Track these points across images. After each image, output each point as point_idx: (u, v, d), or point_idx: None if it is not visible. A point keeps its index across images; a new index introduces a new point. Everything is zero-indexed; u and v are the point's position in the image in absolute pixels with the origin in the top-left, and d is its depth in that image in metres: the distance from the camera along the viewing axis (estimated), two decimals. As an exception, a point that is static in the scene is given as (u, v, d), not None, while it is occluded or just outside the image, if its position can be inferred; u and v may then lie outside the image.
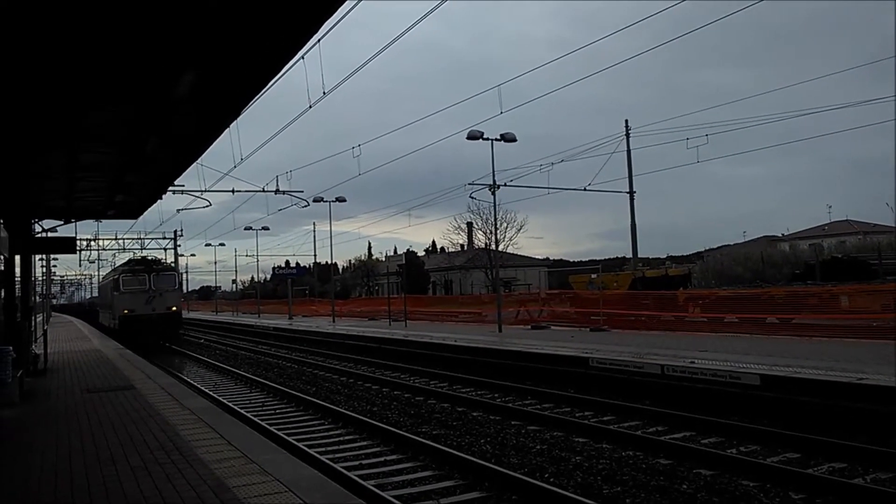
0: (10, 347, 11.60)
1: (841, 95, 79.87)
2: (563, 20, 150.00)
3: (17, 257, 16.65)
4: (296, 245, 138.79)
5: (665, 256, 65.79)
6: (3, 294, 15.82)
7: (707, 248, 53.47)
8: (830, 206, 72.27)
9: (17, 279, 17.34)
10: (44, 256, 46.04)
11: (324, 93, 13.17)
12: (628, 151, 32.99)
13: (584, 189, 33.90)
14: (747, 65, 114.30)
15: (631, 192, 33.13)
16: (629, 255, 36.32)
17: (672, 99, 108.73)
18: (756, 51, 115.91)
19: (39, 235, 18.51)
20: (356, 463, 8.89)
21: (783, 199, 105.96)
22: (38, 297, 39.20)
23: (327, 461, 8.51)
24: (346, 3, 5.74)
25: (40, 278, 51.69)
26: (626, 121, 33.25)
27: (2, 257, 15.15)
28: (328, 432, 11.09)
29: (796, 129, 62.61)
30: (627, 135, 32.92)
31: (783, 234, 63.86)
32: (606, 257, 63.84)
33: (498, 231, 43.17)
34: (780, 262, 37.59)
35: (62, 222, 19.13)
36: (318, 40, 8.88)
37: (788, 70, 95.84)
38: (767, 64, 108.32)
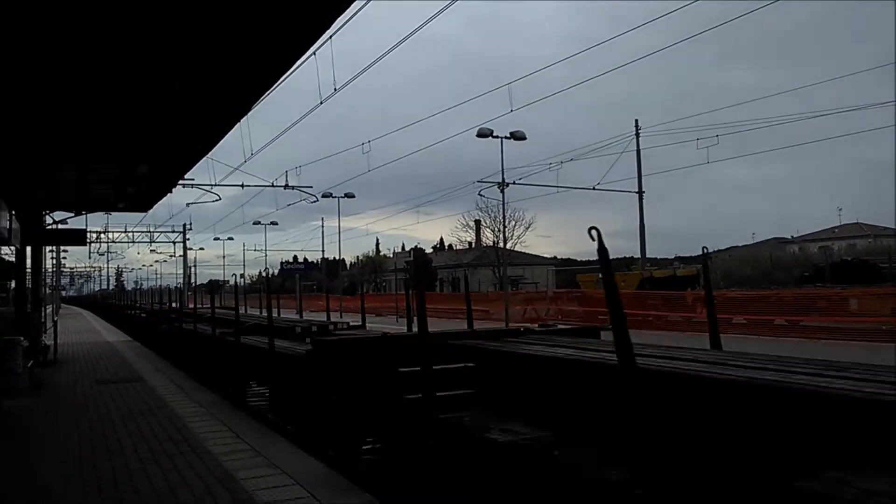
0: (21, 338, 11.69)
1: (853, 97, 79.31)
2: (581, 17, 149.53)
3: (28, 248, 16.77)
4: (304, 240, 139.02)
5: (673, 257, 65.62)
6: (13, 285, 15.95)
7: (716, 249, 53.27)
8: (841, 209, 71.79)
9: (28, 270, 17.47)
10: (54, 248, 46.36)
11: (335, 89, 13.17)
12: (638, 151, 32.99)
13: (594, 188, 33.91)
14: (760, 65, 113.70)
15: (640, 192, 33.11)
16: (638, 255, 36.28)
17: (684, 98, 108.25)
18: (769, 51, 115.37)
19: (50, 227, 18.61)
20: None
21: (793, 200, 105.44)
22: (48, 289, 39.45)
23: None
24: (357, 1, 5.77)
25: (50, 270, 52.11)
26: (637, 120, 33.26)
27: (13, 248, 15.26)
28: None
29: (808, 131, 62.24)
30: (637, 134, 32.90)
31: (792, 237, 63.56)
32: (615, 257, 63.74)
33: (506, 229, 43.20)
34: (789, 263, 37.46)
35: (73, 214, 19.22)
36: (330, 37, 8.88)
37: (801, 71, 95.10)
38: (780, 65, 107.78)
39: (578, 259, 79.83)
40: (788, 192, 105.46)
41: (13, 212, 12.99)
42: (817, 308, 20.88)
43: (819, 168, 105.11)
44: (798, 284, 28.53)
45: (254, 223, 54.86)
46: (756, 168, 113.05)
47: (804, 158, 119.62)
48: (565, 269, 61.82)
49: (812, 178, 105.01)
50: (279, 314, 16.43)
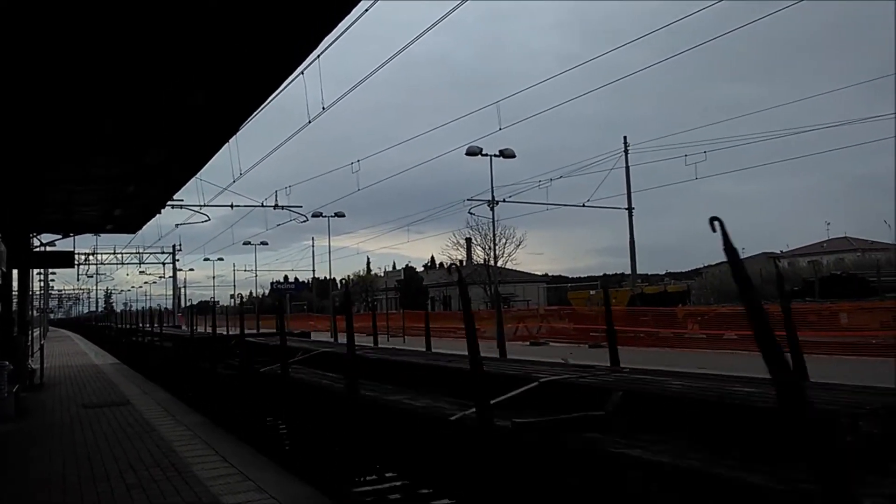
0: (7, 362, 11.54)
1: (840, 112, 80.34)
2: (572, 34, 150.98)
3: (15, 271, 16.62)
4: (294, 260, 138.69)
5: (664, 273, 65.86)
6: (0, 308, 15.77)
7: (706, 264, 53.50)
8: (829, 223, 72.28)
9: (15, 293, 17.30)
10: (42, 270, 46.03)
11: (323, 108, 13.19)
12: (627, 168, 33.18)
13: (583, 205, 34.03)
14: (747, 80, 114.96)
15: (630, 209, 33.25)
16: (628, 271, 36.36)
17: (672, 114, 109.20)
18: (757, 67, 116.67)
19: (38, 249, 18.48)
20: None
21: (781, 215, 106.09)
22: (35, 312, 39.10)
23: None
24: (346, 19, 5.77)
25: (38, 292, 51.70)
26: (625, 137, 33.50)
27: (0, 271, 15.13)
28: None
29: (796, 146, 62.85)
30: (626, 151, 33.10)
31: (782, 251, 63.84)
32: (605, 273, 63.89)
33: (497, 247, 43.23)
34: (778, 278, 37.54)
35: (60, 236, 19.10)
36: (318, 56, 8.91)
37: (788, 86, 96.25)
38: (767, 80, 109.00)
39: (570, 276, 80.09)
40: (776, 207, 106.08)
41: (-1, 234, 12.90)
42: (807, 323, 20.92)
43: (807, 183, 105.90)
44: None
45: (244, 243, 54.74)
46: (744, 183, 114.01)
47: (791, 173, 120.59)
48: (556, 287, 61.84)
49: (799, 193, 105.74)
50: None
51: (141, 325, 22.21)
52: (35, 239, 17.92)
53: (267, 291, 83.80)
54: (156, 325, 20.09)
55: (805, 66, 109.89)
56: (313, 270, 63.56)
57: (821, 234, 64.45)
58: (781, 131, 45.09)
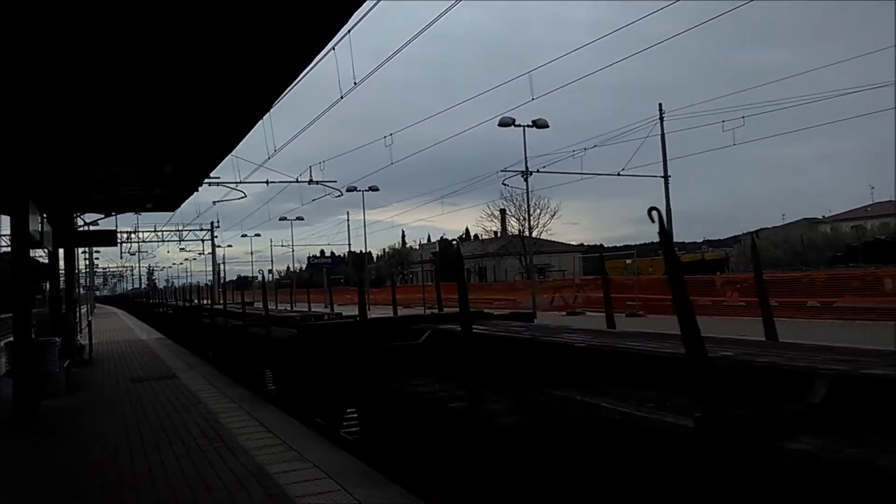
0: (57, 338, 11.93)
1: (882, 74, 77.39)
2: (602, 2, 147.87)
3: (61, 250, 17.08)
4: (330, 234, 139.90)
5: (702, 241, 64.79)
6: (48, 286, 16.26)
7: (745, 231, 52.51)
8: (874, 187, 70.14)
9: (62, 271, 17.81)
10: (86, 249, 47.20)
11: (354, 83, 13.21)
12: (662, 135, 32.59)
13: (618, 174, 33.61)
14: (786, 44, 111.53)
15: (665, 177, 32.74)
16: (665, 239, 35.84)
17: (708, 80, 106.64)
18: (796, 29, 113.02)
19: (82, 229, 18.94)
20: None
21: (825, 180, 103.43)
22: (81, 289, 40.20)
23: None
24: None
25: (83, 270, 53.10)
26: (660, 104, 32.83)
27: (46, 251, 15.56)
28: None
29: (838, 109, 60.94)
30: (661, 118, 32.50)
31: (824, 217, 62.35)
32: (642, 242, 63.12)
33: (531, 217, 43.04)
34: (821, 244, 36.84)
35: (103, 216, 19.52)
36: (349, 31, 8.90)
37: (830, 49, 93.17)
38: (806, 43, 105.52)
39: (606, 245, 79.37)
40: (819, 172, 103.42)
41: (44, 215, 13.23)
42: (851, 289, 20.49)
43: (850, 147, 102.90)
44: (830, 265, 28.02)
45: (280, 219, 55.49)
46: (785, 148, 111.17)
47: (834, 137, 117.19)
48: (592, 256, 61.40)
49: (843, 157, 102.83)
50: (309, 308, 16.61)
51: (206, 301, 18.94)
52: (79, 218, 18.37)
53: (304, 266, 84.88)
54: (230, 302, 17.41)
55: (840, 29, 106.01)
56: (349, 244, 63.93)
57: (865, 198, 62.75)
58: (818, 94, 43.73)
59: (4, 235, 16.14)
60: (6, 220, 11.31)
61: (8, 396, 9.49)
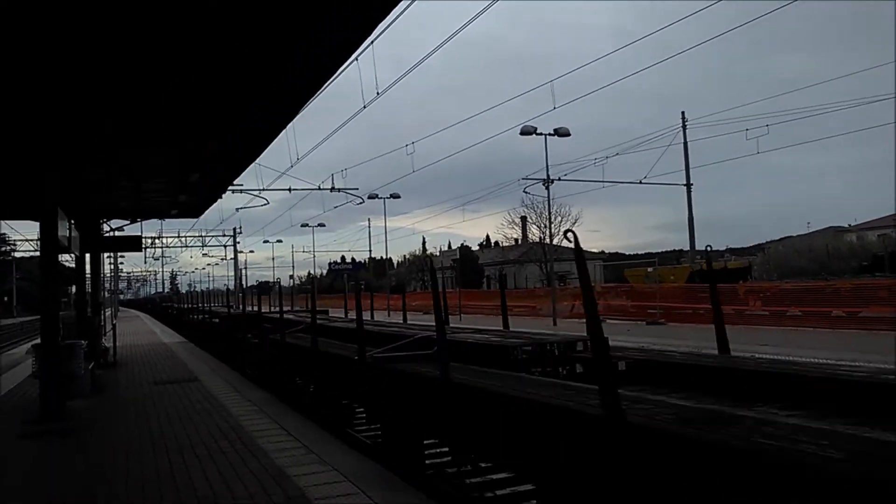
0: (83, 341, 12.12)
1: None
2: (625, 10, 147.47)
3: (87, 256, 17.38)
4: (351, 241, 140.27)
5: (724, 249, 64.09)
6: (74, 290, 16.52)
7: (769, 240, 51.89)
8: (900, 195, 68.86)
9: (87, 276, 18.11)
10: (112, 254, 47.86)
11: (377, 93, 13.30)
12: (685, 143, 32.43)
13: (640, 182, 33.44)
14: (810, 52, 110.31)
15: (688, 185, 32.54)
16: (687, 247, 35.65)
17: (731, 88, 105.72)
18: (820, 38, 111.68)
19: (108, 234, 19.25)
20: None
21: (850, 188, 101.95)
22: (106, 293, 40.75)
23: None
24: (398, 6, 5.84)
25: (108, 275, 53.80)
26: (683, 112, 32.69)
27: (73, 256, 15.83)
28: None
29: (864, 117, 60.15)
30: (684, 126, 32.34)
31: (850, 225, 61.42)
32: (663, 250, 62.68)
33: (552, 225, 42.89)
34: (846, 253, 36.23)
35: (129, 222, 19.85)
36: (371, 42, 9.00)
37: (853, 56, 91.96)
38: (829, 51, 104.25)
39: (627, 253, 78.85)
40: (844, 181, 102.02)
41: (72, 221, 13.48)
42: (877, 299, 20.18)
43: (876, 155, 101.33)
44: (856, 275, 27.62)
45: (302, 225, 55.85)
46: (809, 157, 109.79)
47: (860, 145, 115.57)
48: (613, 264, 61.03)
49: (868, 166, 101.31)
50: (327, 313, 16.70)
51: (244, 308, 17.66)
52: (105, 224, 18.68)
53: (325, 272, 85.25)
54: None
55: (861, 38, 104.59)
56: (370, 250, 64.36)
57: (892, 206, 61.66)
58: (843, 102, 43.16)
59: (32, 240, 16.41)
60: (34, 225, 11.54)
61: (34, 397, 9.67)
